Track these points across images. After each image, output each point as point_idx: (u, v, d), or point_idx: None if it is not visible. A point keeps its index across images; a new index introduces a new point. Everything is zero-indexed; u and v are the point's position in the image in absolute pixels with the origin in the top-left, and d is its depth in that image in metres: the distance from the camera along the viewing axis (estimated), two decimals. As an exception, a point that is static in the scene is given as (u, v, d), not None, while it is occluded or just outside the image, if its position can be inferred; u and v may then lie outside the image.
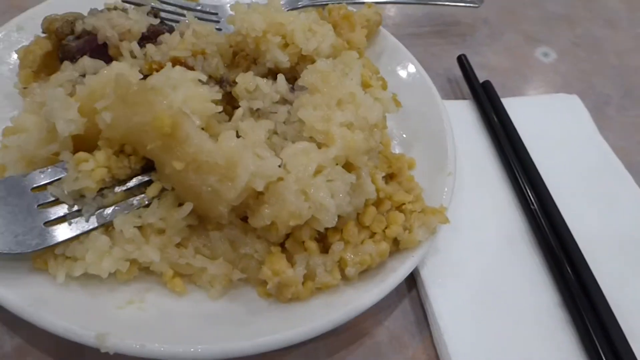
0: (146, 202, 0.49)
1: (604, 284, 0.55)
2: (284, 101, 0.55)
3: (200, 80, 0.53)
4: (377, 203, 0.52)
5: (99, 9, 0.63)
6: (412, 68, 0.72)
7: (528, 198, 0.62)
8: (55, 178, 0.48)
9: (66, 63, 0.57)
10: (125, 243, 0.48)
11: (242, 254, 0.50)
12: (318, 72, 0.52)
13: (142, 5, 0.66)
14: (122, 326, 0.44)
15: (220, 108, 0.52)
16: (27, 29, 0.65)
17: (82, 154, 0.47)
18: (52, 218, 0.47)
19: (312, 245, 0.49)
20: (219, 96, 0.53)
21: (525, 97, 0.78)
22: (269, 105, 0.55)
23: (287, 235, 0.50)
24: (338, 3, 0.75)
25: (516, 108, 0.74)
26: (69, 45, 0.59)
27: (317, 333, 0.46)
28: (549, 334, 0.53)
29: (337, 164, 0.48)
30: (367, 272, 0.51)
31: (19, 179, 0.47)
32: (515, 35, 0.94)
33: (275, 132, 0.53)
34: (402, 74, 0.72)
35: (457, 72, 0.82)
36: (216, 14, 0.74)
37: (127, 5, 0.66)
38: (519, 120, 0.72)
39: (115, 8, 0.63)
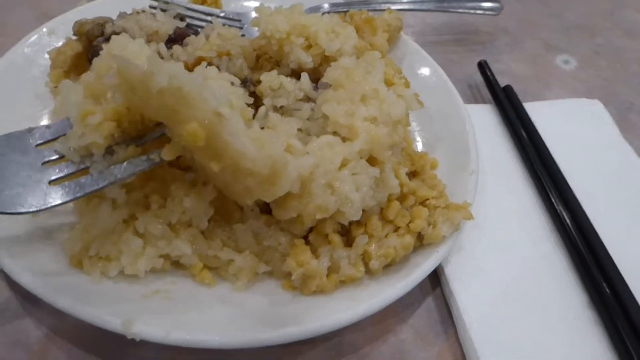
0: (158, 160, 0.45)
1: (632, 285, 0.54)
2: (307, 99, 0.56)
3: (232, 83, 0.55)
4: (401, 198, 0.52)
5: (128, 13, 0.65)
6: (433, 71, 0.72)
7: (552, 199, 0.62)
8: (62, 133, 0.44)
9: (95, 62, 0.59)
10: (157, 240, 0.48)
11: (265, 247, 0.50)
12: (342, 69, 0.53)
13: (169, 10, 0.68)
14: (148, 314, 0.44)
15: (252, 110, 0.53)
16: (58, 33, 0.67)
17: (88, 106, 0.44)
18: (57, 176, 0.43)
19: (336, 238, 0.49)
20: (250, 99, 0.54)
21: (547, 102, 0.78)
22: (293, 103, 0.55)
23: (310, 229, 0.50)
24: (359, 9, 0.76)
25: (538, 112, 0.74)
26: (99, 46, 0.60)
27: (341, 325, 0.45)
28: (577, 334, 0.51)
29: (361, 158, 0.48)
30: (391, 266, 0.51)
31: (23, 134, 0.44)
32: (535, 44, 0.95)
33: (300, 130, 0.54)
34: (424, 77, 0.72)
35: (478, 78, 0.82)
36: (239, 20, 0.76)
37: (155, 10, 0.68)
38: (541, 123, 0.71)
39: (144, 11, 0.65)
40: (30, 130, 0.45)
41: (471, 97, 0.80)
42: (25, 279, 0.44)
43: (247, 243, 0.49)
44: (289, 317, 0.46)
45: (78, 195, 0.44)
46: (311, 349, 0.49)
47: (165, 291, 0.47)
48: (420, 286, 0.54)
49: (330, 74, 0.54)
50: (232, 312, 0.46)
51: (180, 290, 0.48)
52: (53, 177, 0.44)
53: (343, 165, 0.47)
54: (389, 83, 0.56)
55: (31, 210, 0.42)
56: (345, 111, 0.50)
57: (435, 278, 0.56)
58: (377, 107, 0.51)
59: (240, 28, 0.75)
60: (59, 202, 0.43)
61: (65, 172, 0.44)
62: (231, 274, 0.49)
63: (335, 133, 0.50)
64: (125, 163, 0.45)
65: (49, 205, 0.43)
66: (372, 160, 0.50)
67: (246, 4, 0.80)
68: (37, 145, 0.44)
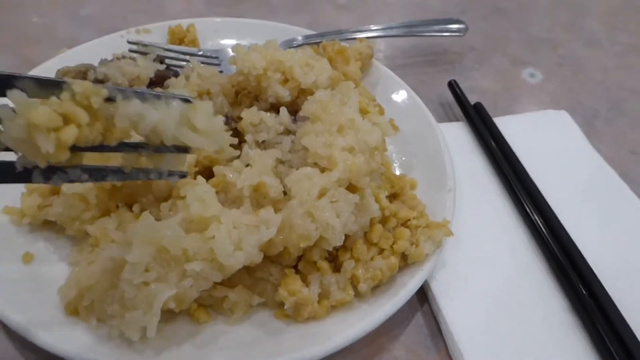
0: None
1: (608, 287, 0.56)
2: (287, 132, 0.59)
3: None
4: (383, 221, 0.55)
5: (109, 59, 0.68)
6: (406, 95, 0.76)
7: (527, 209, 0.65)
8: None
9: (81, 110, 0.61)
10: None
11: (258, 279, 0.51)
12: (318, 102, 0.56)
13: (148, 53, 0.71)
14: (148, 354, 0.45)
15: (238, 152, 0.56)
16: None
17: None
18: None
19: (324, 265, 0.51)
20: (235, 141, 0.56)
21: (515, 115, 0.82)
22: (274, 137, 0.58)
23: (299, 258, 0.52)
24: (331, 40, 0.80)
25: (508, 126, 0.77)
26: (82, 94, 0.62)
27: (336, 349, 0.47)
28: (560, 338, 0.54)
29: (340, 186, 0.50)
30: (379, 288, 0.53)
31: None
32: (502, 59, 0.99)
33: (282, 162, 0.56)
34: (397, 100, 0.76)
35: (449, 96, 0.85)
36: (217, 57, 0.79)
37: (134, 54, 0.71)
38: (512, 136, 0.75)
39: (124, 57, 0.67)
40: None
41: (444, 115, 0.84)
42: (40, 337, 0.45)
43: (239, 277, 0.51)
44: (284, 344, 0.48)
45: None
46: (307, 374, 0.51)
47: (161, 330, 0.48)
48: (408, 303, 0.56)
49: (307, 108, 0.56)
50: (228, 345, 0.48)
51: (176, 329, 0.49)
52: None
53: (322, 194, 0.49)
54: (363, 112, 0.59)
55: None
56: (323, 142, 0.52)
57: (423, 294, 0.58)
58: (354, 136, 0.53)
59: (218, 65, 0.78)
60: None
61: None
62: (226, 308, 0.50)
63: (315, 164, 0.52)
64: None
65: None
66: (352, 188, 0.52)
67: (223, 41, 0.83)
68: None
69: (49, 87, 0.37)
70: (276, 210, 0.50)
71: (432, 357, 0.53)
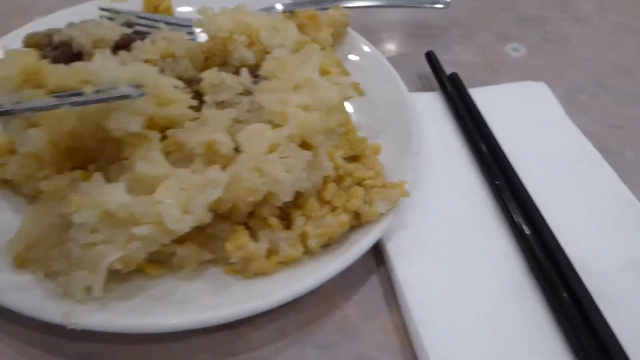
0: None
1: (570, 253, 0.56)
2: (247, 92, 0.58)
3: (176, 87, 0.57)
4: (338, 180, 0.54)
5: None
6: (379, 63, 0.75)
7: (494, 176, 0.64)
8: None
9: (44, 71, 0.61)
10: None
11: (208, 235, 0.51)
12: (276, 59, 0.55)
13: (117, 18, 0.71)
14: (90, 305, 0.45)
15: (198, 114, 0.56)
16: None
17: None
18: None
19: (274, 221, 0.51)
20: (195, 102, 0.57)
21: (492, 87, 0.80)
22: (233, 97, 0.58)
23: (251, 215, 0.52)
24: (307, 9, 0.79)
25: (483, 96, 0.76)
26: (47, 55, 0.62)
27: (281, 302, 0.47)
28: (515, 299, 0.53)
29: (292, 142, 0.50)
30: (331, 246, 0.53)
31: None
32: (487, 35, 0.97)
33: (240, 121, 0.56)
34: (370, 69, 0.75)
35: (428, 69, 0.84)
36: (190, 26, 0.78)
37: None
38: (486, 107, 0.74)
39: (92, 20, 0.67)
40: None
41: (420, 86, 0.83)
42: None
43: (189, 234, 0.51)
44: (231, 298, 0.48)
45: None
46: (257, 331, 0.51)
47: (110, 285, 0.48)
48: (364, 264, 0.57)
49: (265, 66, 0.56)
50: (175, 299, 0.48)
51: (126, 284, 0.49)
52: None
53: (272, 149, 0.49)
54: (325, 72, 0.59)
55: None
56: (278, 99, 0.52)
57: (380, 256, 0.57)
58: (310, 94, 0.53)
59: (192, 33, 0.77)
60: None
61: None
62: (176, 264, 0.50)
63: (269, 121, 0.52)
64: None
65: None
66: (305, 145, 0.52)
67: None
68: None
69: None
70: (227, 168, 0.50)
71: (384, 316, 0.53)
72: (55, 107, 0.47)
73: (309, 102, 0.52)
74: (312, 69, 0.56)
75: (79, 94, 0.47)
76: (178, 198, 0.45)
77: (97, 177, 0.46)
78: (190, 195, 0.46)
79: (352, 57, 0.77)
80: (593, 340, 0.49)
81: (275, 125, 0.51)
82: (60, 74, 0.49)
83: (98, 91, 0.48)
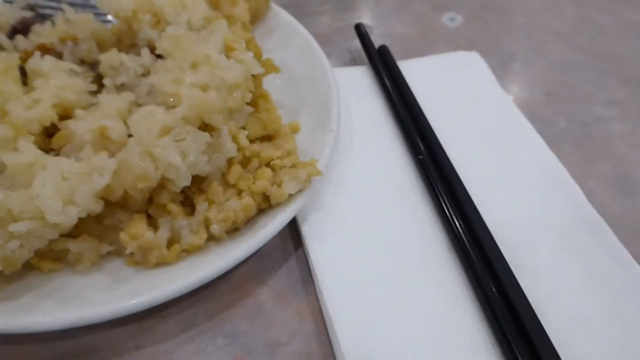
0: None
1: (488, 222, 0.54)
2: (149, 74, 0.55)
3: (72, 70, 0.54)
4: (244, 162, 0.52)
5: (-29, 7, 0.63)
6: (303, 40, 0.72)
7: (417, 149, 0.62)
8: None
9: None
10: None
11: (107, 226, 0.49)
12: (170, 37, 0.52)
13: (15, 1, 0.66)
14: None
15: (96, 99, 0.52)
16: None
17: None
18: None
19: (175, 208, 0.48)
20: (93, 87, 0.54)
21: (422, 58, 0.78)
22: (133, 79, 0.54)
23: (151, 202, 0.49)
24: (228, -15, 0.75)
25: (413, 68, 0.74)
26: None
27: (181, 292, 0.45)
28: (436, 276, 0.52)
29: (187, 124, 0.47)
30: (238, 231, 0.51)
31: None
32: (423, 5, 0.95)
33: (139, 105, 0.53)
34: (293, 46, 0.72)
35: (358, 42, 0.82)
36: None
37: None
38: (416, 80, 0.72)
39: (-12, 5, 0.63)
40: None
41: (350, 61, 0.81)
42: None
43: (86, 226, 0.48)
44: (131, 290, 0.46)
45: None
46: (163, 323, 0.49)
47: (-1, 283, 0.46)
48: (282, 248, 0.55)
49: (160, 45, 0.53)
50: (65, 295, 0.45)
51: (14, 281, 0.46)
52: None
53: (165, 132, 0.46)
54: (229, 49, 0.56)
55: None
56: (172, 79, 0.49)
57: (299, 240, 0.56)
58: (208, 72, 0.50)
59: (104, 15, 0.73)
60: None
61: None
62: (73, 259, 0.48)
63: (164, 103, 0.49)
64: None
65: None
66: (207, 128, 0.49)
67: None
68: None
69: None
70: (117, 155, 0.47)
71: (300, 300, 0.51)
72: None
73: (207, 80, 0.50)
74: (212, 46, 0.53)
75: None
76: (59, 189, 0.42)
77: None
78: (74, 185, 0.43)
79: (275, 33, 0.74)
80: (510, 319, 0.47)
81: (170, 107, 0.48)
82: None
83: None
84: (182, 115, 0.47)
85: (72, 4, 0.71)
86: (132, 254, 0.48)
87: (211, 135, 0.49)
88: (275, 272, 0.53)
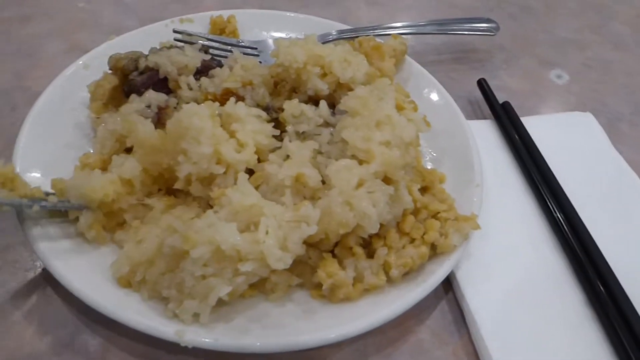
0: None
1: (624, 283, 0.59)
2: (326, 124, 0.62)
3: (260, 116, 0.61)
4: (415, 212, 0.58)
5: (157, 47, 0.71)
6: (437, 91, 0.79)
7: (550, 206, 0.68)
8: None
9: (133, 95, 0.65)
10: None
11: (297, 261, 0.55)
12: (358, 98, 0.59)
13: (194, 43, 0.74)
14: (196, 324, 0.49)
15: (280, 143, 0.60)
16: (92, 67, 0.73)
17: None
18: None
19: (359, 251, 0.55)
20: (277, 132, 0.61)
21: (542, 116, 0.84)
22: (313, 128, 0.61)
23: (336, 243, 0.56)
24: (365, 35, 0.82)
25: (534, 125, 0.80)
26: (135, 80, 0.66)
27: (367, 329, 0.51)
28: (576, 329, 0.57)
29: (376, 178, 0.54)
30: (408, 275, 0.56)
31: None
32: (530, 60, 1.01)
33: (320, 152, 0.60)
34: (428, 97, 0.78)
35: (477, 94, 0.88)
36: (256, 48, 0.82)
37: (180, 43, 0.74)
38: (537, 136, 0.77)
39: (172, 47, 0.71)
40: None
41: (472, 113, 0.87)
42: (86, 294, 0.50)
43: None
44: (320, 323, 0.52)
45: None
46: (338, 352, 0.55)
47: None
48: (434, 291, 0.60)
49: (347, 102, 0.60)
50: (268, 320, 0.52)
51: (223, 305, 0.53)
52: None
53: (360, 184, 0.53)
54: (399, 108, 0.62)
55: None
56: (362, 136, 0.56)
57: (448, 283, 0.61)
58: (390, 131, 0.57)
59: (257, 55, 0.81)
60: None
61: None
62: (268, 288, 0.54)
63: (353, 156, 0.56)
64: None
65: None
66: (387, 180, 0.56)
67: (261, 33, 0.86)
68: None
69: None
70: (315, 199, 0.54)
71: (455, 341, 0.57)
72: None
73: (390, 139, 0.56)
74: (389, 106, 0.59)
75: None
76: (277, 237, 0.49)
77: (209, 214, 0.50)
78: (287, 233, 0.50)
79: (412, 84, 0.80)
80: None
81: (361, 161, 0.55)
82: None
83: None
84: (374, 171, 0.53)
85: (237, 46, 0.79)
86: (318, 287, 0.54)
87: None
88: (431, 313, 0.59)
